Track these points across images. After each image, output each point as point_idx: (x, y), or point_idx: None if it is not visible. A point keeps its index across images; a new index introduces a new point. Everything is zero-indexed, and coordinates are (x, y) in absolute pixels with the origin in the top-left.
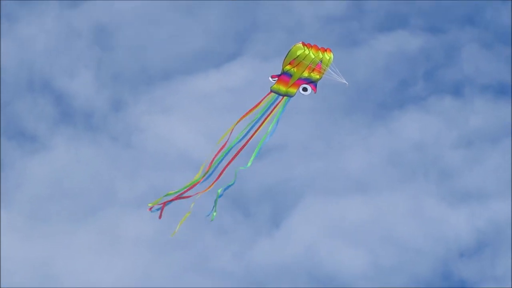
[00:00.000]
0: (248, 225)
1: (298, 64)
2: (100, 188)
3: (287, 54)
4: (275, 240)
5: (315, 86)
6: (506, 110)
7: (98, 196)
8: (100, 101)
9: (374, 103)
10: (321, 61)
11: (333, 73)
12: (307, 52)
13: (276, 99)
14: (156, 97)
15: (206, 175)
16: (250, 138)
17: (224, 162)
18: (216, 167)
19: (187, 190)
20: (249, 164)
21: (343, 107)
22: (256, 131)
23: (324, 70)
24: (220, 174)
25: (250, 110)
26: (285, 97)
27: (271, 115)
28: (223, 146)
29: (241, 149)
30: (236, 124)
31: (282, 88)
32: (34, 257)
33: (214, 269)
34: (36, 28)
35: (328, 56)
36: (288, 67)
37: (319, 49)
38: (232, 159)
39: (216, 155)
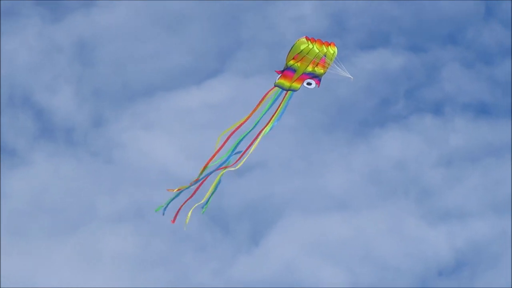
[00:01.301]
0: (227, 242)
1: (302, 58)
2: (80, 203)
3: (291, 49)
4: (254, 257)
5: (319, 80)
6: (486, 129)
7: (79, 211)
8: (81, 117)
9: (355, 121)
10: (325, 56)
11: (338, 67)
12: (311, 46)
13: (280, 93)
14: (137, 113)
15: (206, 173)
16: (258, 135)
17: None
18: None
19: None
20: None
21: (324, 124)
22: (264, 127)
23: (329, 64)
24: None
25: (257, 106)
26: (289, 92)
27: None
28: (221, 146)
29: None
30: (244, 122)
31: (286, 83)
32: (14, 273)
33: (194, 286)
34: (18, 43)
35: (332, 50)
36: (291, 62)
37: (323, 43)
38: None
39: (214, 155)
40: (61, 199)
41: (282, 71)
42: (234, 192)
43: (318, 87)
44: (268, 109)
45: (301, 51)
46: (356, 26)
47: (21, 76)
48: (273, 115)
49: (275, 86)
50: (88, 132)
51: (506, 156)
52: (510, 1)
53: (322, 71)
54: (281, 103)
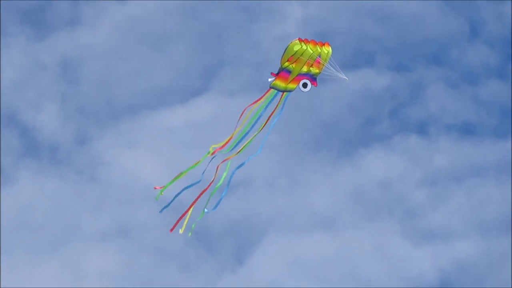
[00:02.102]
0: (212, 261)
1: (296, 60)
2: (64, 221)
3: (285, 51)
4: (239, 276)
5: (315, 80)
6: (470, 150)
7: (63, 229)
8: (65, 135)
9: (339, 140)
10: (319, 56)
11: (332, 69)
12: (304, 47)
13: (276, 95)
14: (122, 131)
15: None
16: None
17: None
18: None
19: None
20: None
21: (308, 143)
22: (261, 128)
23: (323, 64)
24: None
25: (252, 104)
26: (284, 93)
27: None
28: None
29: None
30: (240, 126)
31: (282, 84)
32: None
33: None
34: (2, 61)
35: (326, 50)
36: (286, 63)
37: (317, 44)
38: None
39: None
40: (45, 217)
41: (277, 73)
42: (218, 210)
43: (315, 86)
44: (264, 110)
45: (295, 53)
46: (341, 45)
47: (6, 94)
48: (269, 117)
49: (270, 88)
50: (72, 150)
51: (491, 176)
52: (495, 22)
53: (317, 71)
54: (277, 104)
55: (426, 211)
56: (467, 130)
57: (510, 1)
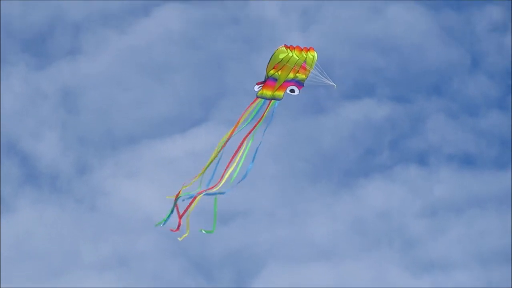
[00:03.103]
0: None
1: (282, 67)
2: (64, 250)
3: (270, 59)
4: None
5: (302, 85)
6: (471, 180)
7: (62, 258)
8: (65, 164)
9: (339, 170)
10: (305, 61)
11: (320, 75)
12: (290, 54)
13: (264, 104)
14: (122, 160)
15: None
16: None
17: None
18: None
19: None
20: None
21: (308, 174)
22: (246, 136)
23: (309, 69)
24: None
25: (240, 118)
26: (272, 101)
27: (259, 122)
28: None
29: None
30: (229, 136)
31: (269, 92)
32: None
33: None
34: (3, 89)
35: (312, 55)
36: (272, 71)
37: (302, 50)
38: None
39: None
40: (45, 246)
41: (263, 82)
42: (218, 239)
43: (302, 88)
44: (250, 120)
45: (281, 60)
46: (341, 76)
47: (6, 123)
48: (254, 127)
49: (257, 97)
50: (72, 179)
51: (491, 207)
52: (496, 54)
53: (304, 76)
54: (263, 114)
55: (426, 241)
56: (467, 161)
57: (510, 33)
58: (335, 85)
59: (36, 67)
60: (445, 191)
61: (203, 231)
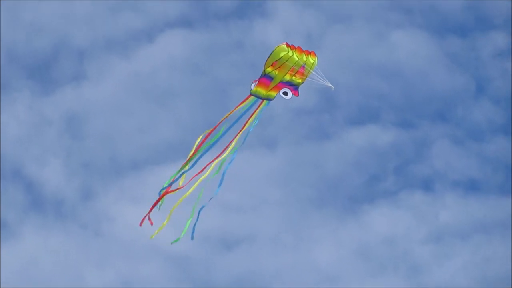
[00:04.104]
0: None
1: (280, 66)
2: (69, 276)
3: (270, 55)
4: None
5: (297, 90)
6: (476, 206)
7: (67, 284)
8: (70, 190)
9: (344, 196)
10: (304, 64)
11: (318, 77)
12: (290, 53)
13: (256, 102)
14: (126, 186)
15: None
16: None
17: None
18: (194, 163)
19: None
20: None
21: (313, 200)
22: (237, 134)
23: (307, 74)
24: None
25: (229, 114)
26: (264, 101)
27: (249, 120)
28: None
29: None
30: (212, 130)
31: (262, 91)
32: None
33: None
34: (8, 116)
35: (312, 59)
36: (269, 69)
37: (303, 52)
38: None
39: (192, 154)
40: (49, 271)
41: (259, 79)
42: (223, 265)
43: (297, 96)
44: (240, 117)
45: (280, 58)
46: (346, 101)
47: (11, 149)
48: (245, 125)
49: (250, 94)
50: (77, 205)
51: (497, 233)
52: (500, 79)
53: (300, 80)
54: (254, 112)
55: (431, 267)
56: (472, 187)
57: None
58: (332, 86)
59: (41, 93)
60: (450, 217)
61: (176, 241)
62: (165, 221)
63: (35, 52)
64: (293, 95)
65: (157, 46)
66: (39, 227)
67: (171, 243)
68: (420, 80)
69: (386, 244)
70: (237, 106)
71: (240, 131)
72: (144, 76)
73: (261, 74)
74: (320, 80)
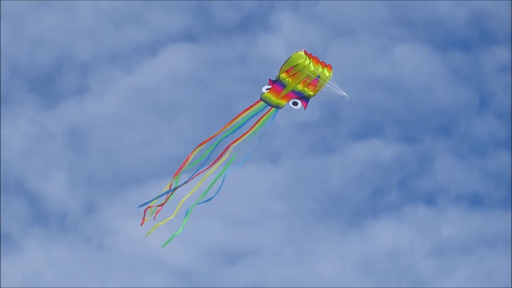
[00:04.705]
0: None
1: (295, 74)
2: None
3: (286, 61)
4: None
5: (307, 102)
6: (479, 221)
7: None
8: (73, 203)
9: (348, 210)
10: (318, 77)
11: (333, 86)
12: (307, 62)
13: (264, 108)
14: (129, 200)
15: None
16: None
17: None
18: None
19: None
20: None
21: (316, 213)
22: (241, 136)
23: (320, 87)
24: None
25: (237, 117)
26: (272, 109)
27: (255, 126)
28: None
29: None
30: (222, 131)
31: (273, 98)
32: None
33: None
34: (11, 129)
35: (328, 73)
36: (284, 75)
37: (320, 63)
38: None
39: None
40: (52, 285)
41: (273, 83)
42: (225, 279)
43: (305, 109)
44: (246, 122)
45: (296, 65)
46: (349, 116)
47: (14, 162)
48: (249, 130)
49: (261, 99)
50: (80, 218)
51: (499, 247)
52: (504, 94)
53: (311, 93)
54: (260, 119)
55: (434, 281)
56: (475, 201)
57: None
58: (347, 95)
59: (44, 106)
60: (454, 231)
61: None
62: (162, 222)
63: (38, 65)
64: (302, 107)
65: (161, 60)
66: (42, 240)
67: (162, 246)
68: (424, 95)
69: (389, 257)
70: (245, 111)
71: (238, 139)
72: (147, 90)
73: (274, 80)
74: (334, 89)
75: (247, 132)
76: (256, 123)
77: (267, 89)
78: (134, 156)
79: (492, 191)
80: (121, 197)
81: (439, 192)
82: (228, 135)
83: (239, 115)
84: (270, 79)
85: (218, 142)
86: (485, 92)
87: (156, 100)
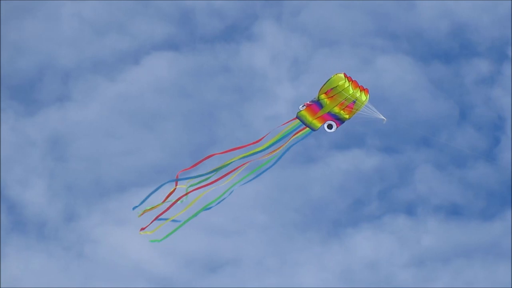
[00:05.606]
0: None
1: (333, 95)
2: None
3: (326, 82)
4: None
5: (340, 123)
6: (457, 231)
7: None
8: (53, 211)
9: (328, 220)
10: (355, 100)
11: (370, 109)
12: (347, 84)
13: (299, 126)
14: (110, 208)
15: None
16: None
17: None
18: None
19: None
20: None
21: (297, 223)
22: (270, 153)
23: (356, 111)
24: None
25: (275, 137)
26: (306, 129)
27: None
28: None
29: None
30: (251, 144)
31: (309, 117)
32: None
33: None
34: None
35: (365, 97)
36: (323, 96)
37: (358, 86)
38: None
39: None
40: None
41: (310, 103)
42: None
43: (337, 127)
44: (280, 139)
45: (335, 87)
46: None
47: None
48: (280, 148)
49: (296, 117)
50: (60, 226)
51: (477, 257)
52: (483, 106)
53: (347, 116)
54: (292, 137)
55: None
56: (454, 212)
57: (497, 86)
58: (385, 119)
59: (25, 114)
60: (433, 241)
61: (156, 240)
62: (158, 226)
63: (19, 72)
64: (335, 126)
65: (143, 68)
66: (21, 248)
67: (150, 241)
68: (405, 106)
69: (369, 267)
70: (283, 129)
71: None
72: (129, 98)
73: (313, 99)
74: (372, 113)
75: (273, 152)
76: (286, 143)
77: (303, 107)
78: (115, 165)
79: (471, 202)
80: (101, 205)
81: (419, 202)
82: (258, 152)
83: (278, 135)
84: (305, 102)
85: (242, 157)
86: (466, 103)
87: (138, 108)
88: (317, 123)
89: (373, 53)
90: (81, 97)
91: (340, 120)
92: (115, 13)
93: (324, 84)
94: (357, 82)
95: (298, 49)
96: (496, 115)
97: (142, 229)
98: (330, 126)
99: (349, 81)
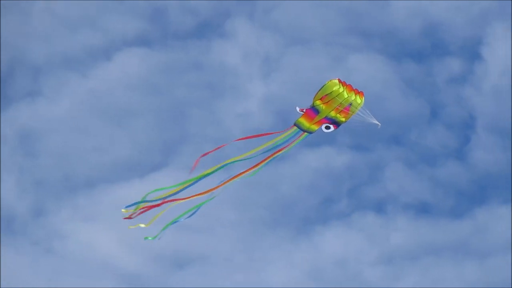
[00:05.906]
0: None
1: (328, 101)
2: None
3: (321, 88)
4: None
5: (338, 126)
6: (426, 229)
7: None
8: (22, 207)
9: (298, 218)
10: (350, 104)
11: (364, 114)
12: (341, 90)
13: (296, 133)
14: (79, 204)
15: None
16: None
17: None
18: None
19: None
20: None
21: (267, 221)
22: (268, 157)
23: (352, 114)
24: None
25: (270, 142)
26: (304, 133)
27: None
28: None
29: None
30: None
31: (306, 123)
32: None
33: None
34: None
35: (360, 100)
36: (318, 102)
37: (353, 90)
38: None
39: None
40: None
41: (306, 109)
42: (174, 284)
43: (335, 129)
44: (278, 145)
45: (331, 92)
46: None
47: None
48: (277, 152)
49: (294, 125)
50: (28, 222)
51: (446, 255)
52: (454, 105)
53: (343, 119)
54: (291, 143)
55: None
56: (423, 210)
57: (469, 85)
58: (379, 124)
59: None
60: (402, 239)
61: (149, 238)
62: (148, 223)
63: None
64: (334, 129)
65: (115, 64)
66: None
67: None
68: (376, 104)
69: (338, 265)
70: (279, 137)
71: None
72: (100, 94)
73: (310, 105)
74: (366, 117)
75: (267, 159)
76: (284, 147)
77: (300, 113)
78: (85, 161)
79: (440, 200)
80: (70, 201)
81: (388, 200)
82: (252, 157)
83: (273, 141)
84: (300, 109)
85: (234, 162)
86: (437, 102)
87: (109, 104)
88: (314, 127)
89: (345, 52)
90: (51, 93)
91: (336, 124)
92: (87, 8)
93: (319, 91)
94: (351, 86)
95: (270, 47)
96: (467, 114)
97: (126, 218)
98: (327, 127)
99: (343, 86)
